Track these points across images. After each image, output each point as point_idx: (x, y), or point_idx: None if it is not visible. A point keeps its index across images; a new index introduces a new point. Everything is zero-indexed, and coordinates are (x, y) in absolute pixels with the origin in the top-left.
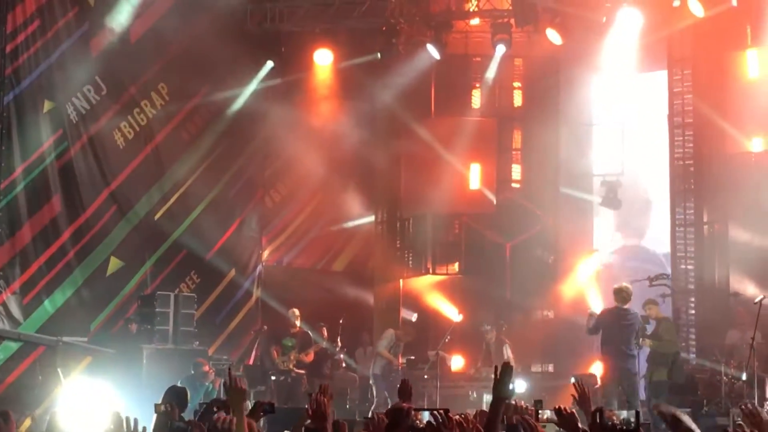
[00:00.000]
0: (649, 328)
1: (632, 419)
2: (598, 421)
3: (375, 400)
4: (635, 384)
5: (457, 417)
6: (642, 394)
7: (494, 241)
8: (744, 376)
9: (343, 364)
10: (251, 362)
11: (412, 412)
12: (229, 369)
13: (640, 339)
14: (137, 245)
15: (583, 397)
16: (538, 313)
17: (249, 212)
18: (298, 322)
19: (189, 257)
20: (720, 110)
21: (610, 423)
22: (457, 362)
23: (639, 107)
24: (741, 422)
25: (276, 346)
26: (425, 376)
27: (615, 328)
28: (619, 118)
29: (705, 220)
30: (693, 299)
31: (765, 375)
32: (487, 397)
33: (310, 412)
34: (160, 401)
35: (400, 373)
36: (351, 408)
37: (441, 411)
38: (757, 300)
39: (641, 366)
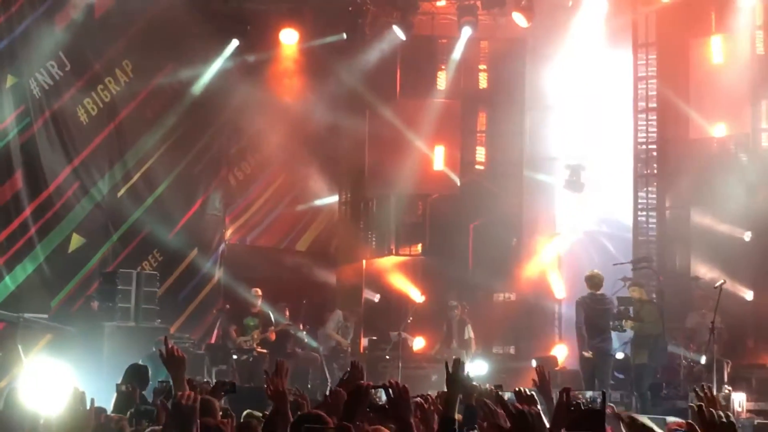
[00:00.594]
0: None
1: (598, 399)
2: (564, 400)
3: (329, 380)
4: (609, 365)
5: (418, 399)
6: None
7: (457, 222)
8: (703, 360)
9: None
10: (213, 341)
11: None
12: (165, 337)
13: (623, 321)
14: (100, 222)
15: (543, 383)
16: (500, 295)
17: (212, 191)
18: (259, 302)
19: (152, 235)
20: (683, 95)
21: (575, 402)
22: (419, 343)
23: (603, 91)
24: (694, 404)
25: (235, 326)
26: (387, 357)
27: (592, 312)
28: (583, 101)
29: (667, 204)
30: (654, 283)
31: (724, 359)
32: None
33: (268, 392)
34: (120, 379)
35: (348, 355)
36: (312, 387)
37: (396, 383)
38: (717, 284)
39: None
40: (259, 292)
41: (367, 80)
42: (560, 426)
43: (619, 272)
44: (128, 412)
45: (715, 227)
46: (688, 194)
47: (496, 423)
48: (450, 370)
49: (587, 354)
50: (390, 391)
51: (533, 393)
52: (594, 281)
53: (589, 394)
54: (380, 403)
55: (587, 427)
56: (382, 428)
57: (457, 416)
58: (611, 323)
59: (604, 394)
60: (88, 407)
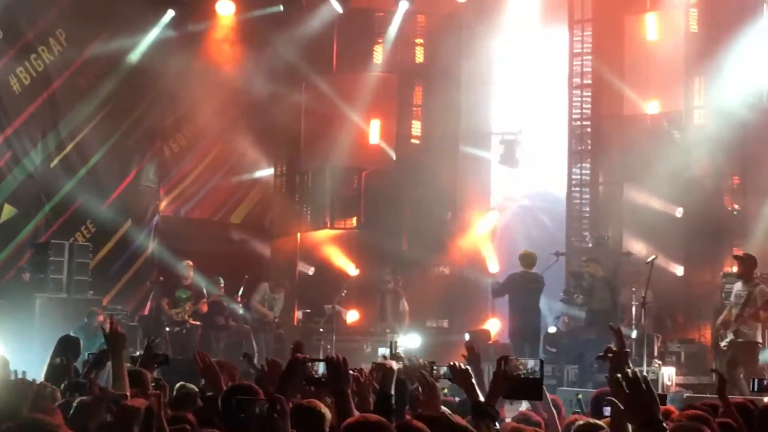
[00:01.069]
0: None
1: (537, 368)
2: (503, 369)
3: (256, 351)
4: (539, 340)
5: (353, 372)
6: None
7: (393, 196)
8: (634, 335)
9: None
10: (146, 313)
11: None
12: (111, 315)
13: (575, 296)
14: (32, 193)
15: (472, 356)
16: (434, 269)
17: (147, 162)
18: (191, 274)
19: (85, 206)
20: (618, 72)
21: (515, 372)
22: (352, 316)
23: (539, 67)
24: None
25: (167, 298)
26: (321, 330)
27: (523, 290)
28: (519, 77)
29: (600, 180)
30: (585, 258)
31: (654, 334)
32: (382, 351)
33: (198, 369)
34: (52, 351)
35: (275, 327)
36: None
37: (337, 356)
38: (648, 260)
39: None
40: (191, 264)
41: (303, 53)
42: (498, 394)
43: (553, 246)
44: (62, 385)
45: (647, 203)
46: (621, 170)
47: (435, 395)
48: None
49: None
50: (329, 363)
51: (468, 368)
52: (527, 260)
53: (529, 362)
54: (317, 375)
55: (525, 395)
56: (316, 401)
57: None
58: (562, 296)
59: (542, 362)
60: (12, 376)
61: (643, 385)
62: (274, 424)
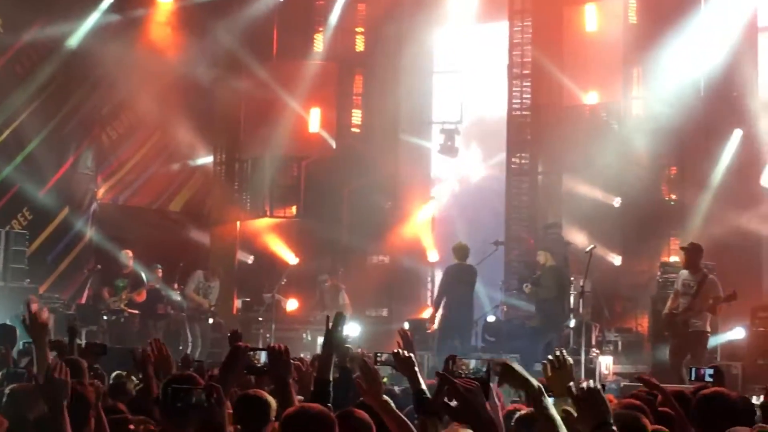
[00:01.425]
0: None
1: (483, 368)
2: (449, 368)
3: (190, 340)
4: (470, 332)
5: (294, 361)
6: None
7: (332, 185)
8: (572, 323)
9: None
10: (83, 301)
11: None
12: (28, 303)
13: (524, 285)
14: None
15: (407, 344)
16: (374, 257)
17: (85, 149)
18: (130, 263)
19: (21, 193)
20: (558, 63)
21: (461, 372)
22: (292, 305)
23: (479, 57)
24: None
25: (107, 287)
26: (260, 319)
27: (457, 283)
28: (460, 67)
29: (540, 170)
30: (525, 247)
31: (592, 323)
32: (321, 340)
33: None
34: None
35: (210, 315)
36: (183, 348)
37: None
38: (587, 249)
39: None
40: (130, 254)
41: (244, 40)
42: (444, 394)
43: (492, 236)
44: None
45: (586, 193)
46: (560, 160)
47: (377, 383)
48: (330, 326)
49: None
50: (271, 352)
51: (411, 355)
52: (461, 252)
53: (473, 363)
54: (259, 365)
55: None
56: (261, 391)
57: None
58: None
59: (489, 363)
60: None
61: (598, 394)
62: (211, 412)
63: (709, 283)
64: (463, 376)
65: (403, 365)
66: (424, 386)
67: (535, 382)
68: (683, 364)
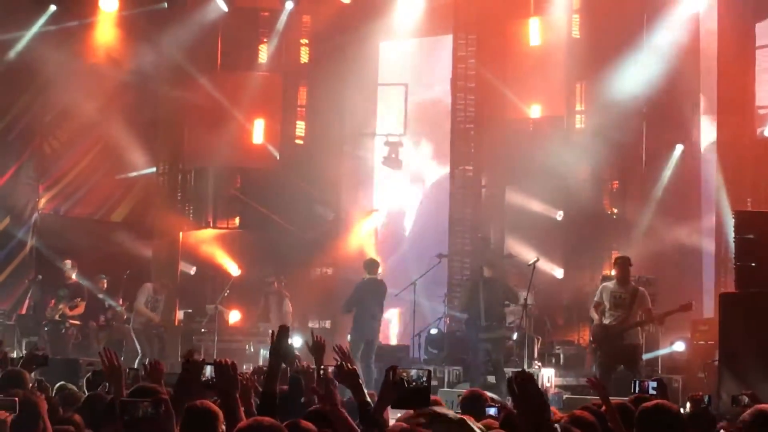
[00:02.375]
0: None
1: (424, 378)
2: (389, 378)
3: (140, 352)
4: (375, 343)
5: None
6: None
7: (276, 196)
8: (515, 336)
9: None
10: (24, 312)
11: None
12: None
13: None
14: None
15: (346, 360)
16: (317, 269)
17: (26, 159)
18: (73, 274)
19: None
20: (502, 76)
21: (402, 381)
22: (234, 316)
23: (424, 70)
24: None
25: (50, 296)
26: (203, 330)
27: (368, 296)
28: (404, 79)
29: (483, 183)
30: (468, 261)
31: (535, 335)
32: (264, 352)
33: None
34: None
35: (161, 329)
36: (126, 359)
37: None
38: (530, 262)
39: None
40: (71, 264)
41: (187, 51)
42: (386, 403)
43: (435, 249)
44: None
45: (528, 206)
46: (503, 173)
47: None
48: (274, 339)
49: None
50: (217, 366)
51: (355, 368)
52: (371, 267)
53: (414, 371)
54: (204, 378)
55: (413, 403)
56: (209, 402)
57: (284, 387)
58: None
59: (429, 372)
60: None
61: (533, 389)
62: (159, 426)
63: (641, 296)
64: (405, 385)
65: (346, 377)
66: (368, 398)
67: None
68: (612, 378)
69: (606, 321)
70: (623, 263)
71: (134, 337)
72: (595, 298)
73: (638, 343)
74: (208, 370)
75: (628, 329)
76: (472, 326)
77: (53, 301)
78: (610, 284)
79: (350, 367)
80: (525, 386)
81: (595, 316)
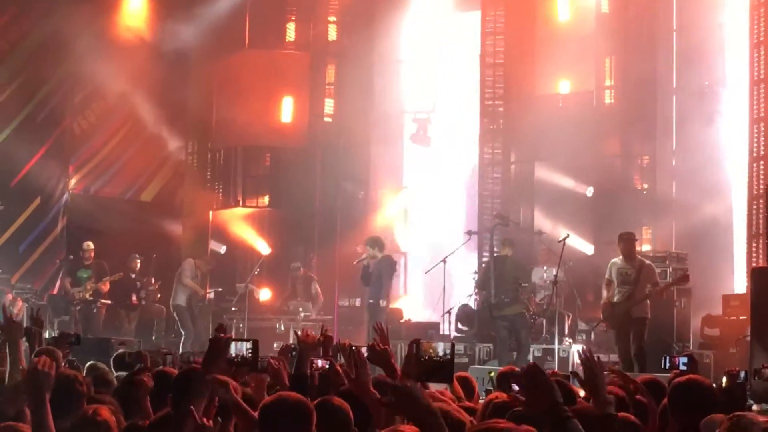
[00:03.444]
0: None
1: (447, 351)
2: (414, 352)
3: (183, 333)
4: (381, 316)
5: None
6: None
7: (305, 174)
8: (529, 313)
9: (159, 296)
10: (55, 292)
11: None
12: (4, 305)
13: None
14: None
15: (383, 339)
16: (346, 247)
17: (56, 139)
18: (92, 254)
19: None
20: (530, 52)
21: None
22: (265, 295)
23: (452, 46)
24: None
25: (69, 278)
26: (233, 309)
27: (375, 271)
28: (432, 56)
29: (512, 159)
30: (498, 236)
31: (565, 312)
32: (295, 328)
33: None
34: None
35: (206, 303)
36: (157, 339)
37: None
38: (560, 239)
39: None
40: (91, 245)
41: (215, 30)
42: (410, 376)
43: (465, 226)
44: None
45: (558, 182)
46: (532, 149)
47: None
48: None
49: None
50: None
51: (387, 348)
52: (380, 244)
53: (439, 345)
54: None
55: (436, 377)
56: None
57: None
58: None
59: (452, 345)
60: None
61: (540, 377)
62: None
63: (646, 270)
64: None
65: (378, 357)
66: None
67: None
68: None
69: (615, 298)
70: (627, 239)
71: (176, 317)
72: (606, 276)
73: (645, 317)
74: (234, 348)
75: (633, 305)
76: (486, 304)
77: (70, 281)
78: (618, 261)
79: (382, 346)
80: (533, 380)
81: (604, 294)
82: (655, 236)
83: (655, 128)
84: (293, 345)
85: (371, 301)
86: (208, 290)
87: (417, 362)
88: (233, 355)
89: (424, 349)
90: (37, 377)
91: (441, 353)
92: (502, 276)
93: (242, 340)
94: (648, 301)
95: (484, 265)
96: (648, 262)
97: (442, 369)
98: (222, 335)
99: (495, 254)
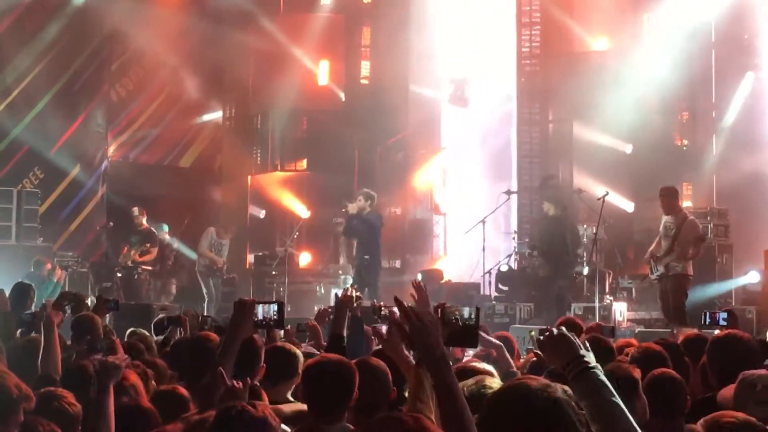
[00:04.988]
0: None
1: (473, 315)
2: (439, 316)
3: (206, 297)
4: (377, 273)
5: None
6: None
7: (342, 137)
8: (585, 271)
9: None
10: (97, 259)
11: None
12: (43, 306)
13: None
14: None
15: (421, 297)
16: (386, 209)
17: (94, 107)
18: (143, 219)
19: (32, 152)
20: (566, 9)
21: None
22: (305, 258)
23: (488, 6)
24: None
25: (124, 242)
26: (273, 273)
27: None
28: (469, 15)
29: (550, 118)
30: (536, 197)
31: (606, 270)
32: (335, 291)
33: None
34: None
35: (224, 273)
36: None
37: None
38: (600, 197)
39: None
40: (140, 210)
41: None
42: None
43: (503, 186)
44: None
45: (597, 140)
46: (570, 108)
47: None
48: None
49: None
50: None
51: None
52: (371, 197)
53: (465, 309)
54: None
55: (462, 342)
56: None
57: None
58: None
59: (478, 309)
60: None
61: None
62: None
63: (686, 225)
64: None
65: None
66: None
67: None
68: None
69: (659, 252)
70: (664, 194)
71: (201, 281)
72: (660, 230)
73: (684, 273)
74: (260, 310)
75: (671, 260)
76: (533, 265)
77: (126, 247)
78: (666, 216)
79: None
80: (548, 339)
81: (651, 248)
82: (696, 192)
83: (693, 84)
84: (330, 309)
85: (366, 257)
86: (248, 256)
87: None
88: (260, 317)
89: (450, 312)
90: (107, 369)
91: (467, 317)
92: (553, 237)
93: (267, 302)
94: (688, 258)
95: (528, 225)
96: (691, 217)
97: (467, 334)
98: (250, 298)
99: (548, 215)
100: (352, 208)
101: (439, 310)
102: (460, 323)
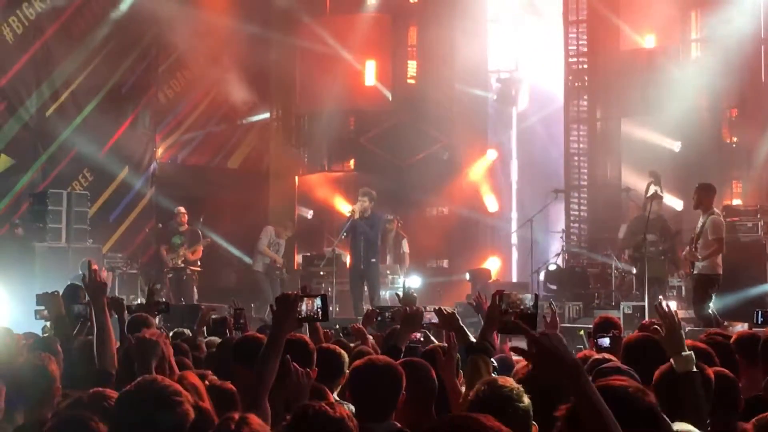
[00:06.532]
0: None
1: (531, 303)
2: (497, 303)
3: (262, 296)
4: (376, 273)
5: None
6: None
7: (389, 137)
8: (634, 270)
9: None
10: (146, 260)
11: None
12: (89, 262)
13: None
14: (28, 143)
15: (478, 309)
16: (433, 209)
17: (142, 109)
18: (185, 220)
19: (81, 155)
20: (614, 7)
21: (516, 308)
22: None
23: (535, 4)
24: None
25: (165, 244)
26: (321, 273)
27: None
28: (515, 14)
29: (598, 116)
30: (585, 195)
31: None
32: (383, 293)
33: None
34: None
35: (283, 271)
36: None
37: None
38: (649, 194)
39: None
40: (183, 210)
41: None
42: (493, 328)
43: (551, 185)
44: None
45: (645, 138)
46: (618, 106)
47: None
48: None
49: None
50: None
51: (454, 311)
52: (372, 197)
53: (527, 297)
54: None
55: (520, 330)
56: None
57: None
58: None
59: (536, 297)
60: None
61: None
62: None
63: (709, 223)
64: (515, 311)
65: (446, 321)
66: (472, 338)
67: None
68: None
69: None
70: (697, 191)
71: (259, 281)
72: None
73: (705, 273)
74: (304, 305)
75: (695, 260)
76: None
77: (166, 247)
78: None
79: (449, 310)
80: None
81: (688, 248)
82: (746, 190)
83: (742, 80)
84: (378, 311)
85: (373, 259)
86: (296, 257)
87: (500, 314)
88: (304, 312)
89: (512, 300)
90: (145, 345)
91: (529, 304)
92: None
93: (311, 296)
94: (714, 257)
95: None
96: (715, 216)
97: (528, 321)
98: (293, 292)
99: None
100: (358, 209)
101: (496, 297)
102: (520, 311)
